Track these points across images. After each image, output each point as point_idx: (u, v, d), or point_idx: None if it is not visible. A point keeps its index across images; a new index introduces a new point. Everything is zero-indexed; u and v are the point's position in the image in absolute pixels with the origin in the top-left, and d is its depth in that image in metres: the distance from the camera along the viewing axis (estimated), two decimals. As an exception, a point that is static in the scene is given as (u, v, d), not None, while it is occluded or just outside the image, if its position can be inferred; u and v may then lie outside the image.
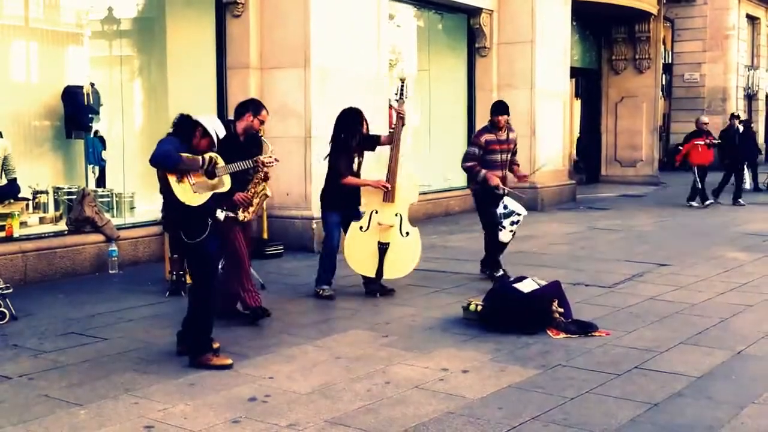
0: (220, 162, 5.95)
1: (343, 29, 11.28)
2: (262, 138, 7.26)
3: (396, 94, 8.18)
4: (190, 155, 5.74)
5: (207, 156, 5.81)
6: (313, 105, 10.84)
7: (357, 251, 7.99)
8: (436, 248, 10.84)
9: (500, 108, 8.94)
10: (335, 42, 11.16)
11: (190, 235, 5.78)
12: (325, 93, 10.96)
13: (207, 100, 11.09)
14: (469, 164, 8.83)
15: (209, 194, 5.82)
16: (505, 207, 8.54)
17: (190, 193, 5.72)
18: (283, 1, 11.00)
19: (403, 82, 8.18)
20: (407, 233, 8.06)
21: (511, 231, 8.63)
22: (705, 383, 5.41)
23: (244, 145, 6.91)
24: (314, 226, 10.67)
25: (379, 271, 8.01)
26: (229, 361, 5.77)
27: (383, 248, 7.96)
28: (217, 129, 5.87)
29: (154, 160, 5.67)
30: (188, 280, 8.30)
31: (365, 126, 7.94)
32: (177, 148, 5.71)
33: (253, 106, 7.11)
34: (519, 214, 8.58)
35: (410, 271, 8.26)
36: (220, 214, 6.06)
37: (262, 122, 7.13)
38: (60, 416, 4.80)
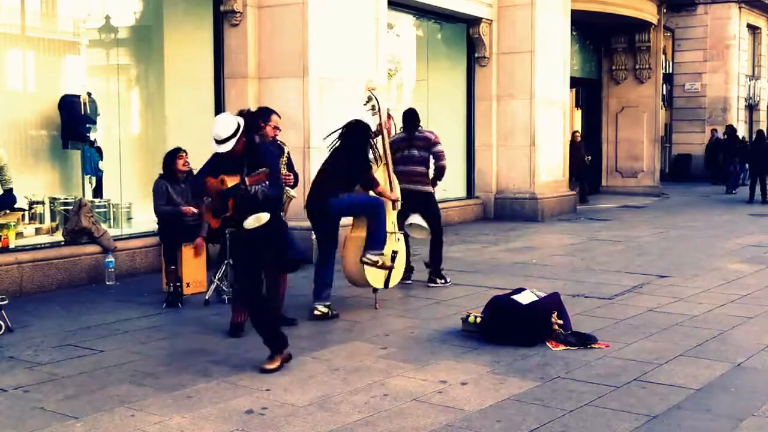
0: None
1: (342, 38, 11.27)
2: (285, 147, 7.07)
3: (365, 104, 8.12)
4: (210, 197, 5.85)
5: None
6: (312, 115, 10.81)
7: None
8: (435, 259, 10.77)
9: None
10: (334, 51, 11.15)
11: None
12: (324, 103, 10.95)
13: (205, 109, 11.06)
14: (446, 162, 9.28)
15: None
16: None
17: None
18: (282, 11, 10.99)
19: (371, 92, 8.11)
20: (398, 239, 8.12)
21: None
22: (704, 395, 5.37)
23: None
24: (313, 237, 10.61)
25: (387, 280, 7.93)
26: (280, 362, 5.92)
27: (394, 257, 7.94)
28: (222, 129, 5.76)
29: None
30: (185, 291, 8.32)
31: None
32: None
33: (262, 115, 6.93)
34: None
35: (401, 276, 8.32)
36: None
37: (275, 128, 6.97)
38: (56, 429, 4.77)
